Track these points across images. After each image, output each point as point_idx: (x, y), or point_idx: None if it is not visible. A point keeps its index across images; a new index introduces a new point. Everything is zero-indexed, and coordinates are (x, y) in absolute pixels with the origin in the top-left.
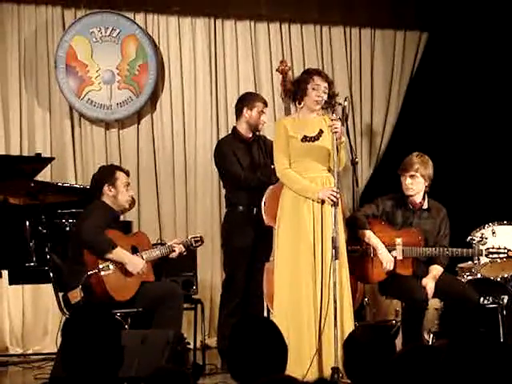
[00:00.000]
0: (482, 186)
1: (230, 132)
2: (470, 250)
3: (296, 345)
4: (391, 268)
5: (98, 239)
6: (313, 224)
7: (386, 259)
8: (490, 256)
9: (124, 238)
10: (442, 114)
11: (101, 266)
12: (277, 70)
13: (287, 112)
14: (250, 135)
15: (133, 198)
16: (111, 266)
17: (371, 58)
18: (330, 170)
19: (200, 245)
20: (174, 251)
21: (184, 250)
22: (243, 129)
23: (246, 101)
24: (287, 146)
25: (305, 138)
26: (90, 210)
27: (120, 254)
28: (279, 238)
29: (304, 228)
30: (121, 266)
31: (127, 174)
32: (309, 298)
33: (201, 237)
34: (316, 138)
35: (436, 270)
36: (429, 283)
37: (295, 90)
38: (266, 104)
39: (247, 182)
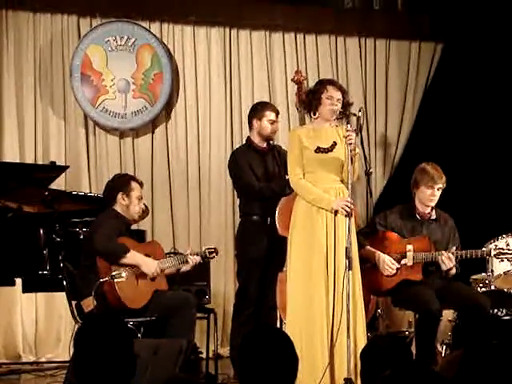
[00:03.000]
0: (496, 197)
1: (244, 142)
2: (479, 250)
3: (309, 355)
4: (392, 269)
5: (110, 246)
6: (326, 234)
7: (384, 261)
8: (500, 256)
9: (137, 246)
10: (456, 124)
11: (114, 273)
12: (292, 80)
13: (302, 122)
14: (264, 145)
15: (146, 207)
16: (124, 274)
17: (386, 69)
18: (343, 181)
19: (214, 256)
20: (188, 262)
21: (199, 260)
22: (256, 139)
23: (255, 111)
24: (301, 156)
25: (318, 149)
26: (102, 218)
27: (134, 256)
28: (292, 248)
29: (317, 238)
30: (134, 274)
31: (141, 185)
32: (322, 308)
33: (215, 248)
34: (329, 150)
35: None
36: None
37: (309, 101)
38: (276, 112)
39: (261, 193)
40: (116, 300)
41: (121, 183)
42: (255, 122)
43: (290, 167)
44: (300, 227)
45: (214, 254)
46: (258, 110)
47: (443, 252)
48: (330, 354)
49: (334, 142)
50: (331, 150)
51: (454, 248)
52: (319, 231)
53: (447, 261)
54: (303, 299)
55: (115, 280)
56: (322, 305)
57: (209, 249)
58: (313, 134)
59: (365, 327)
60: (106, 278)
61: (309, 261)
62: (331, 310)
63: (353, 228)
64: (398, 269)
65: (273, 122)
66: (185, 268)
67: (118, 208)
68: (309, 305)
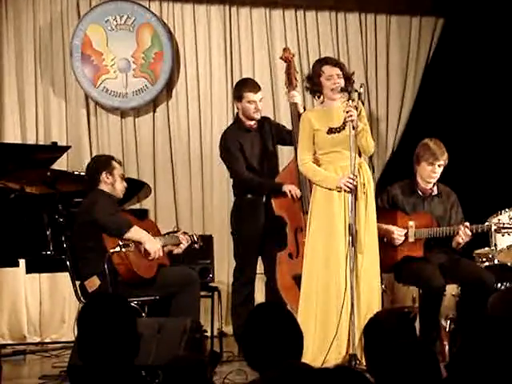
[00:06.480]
0: (498, 172)
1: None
2: (480, 225)
3: (322, 331)
4: (401, 236)
5: (115, 219)
6: (344, 213)
7: (392, 231)
8: (501, 231)
9: (136, 222)
10: (457, 100)
11: (121, 243)
12: (280, 58)
13: (290, 99)
14: (253, 123)
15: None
16: (131, 244)
17: (387, 45)
18: (360, 156)
19: (198, 244)
20: (181, 243)
21: (189, 242)
22: (243, 118)
23: (234, 92)
24: (310, 139)
25: (330, 130)
26: (94, 196)
27: (138, 232)
28: (312, 227)
29: (336, 218)
30: (138, 248)
31: (120, 164)
32: (338, 286)
33: (200, 237)
34: (341, 129)
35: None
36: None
37: (311, 86)
38: (257, 90)
39: (247, 183)
40: (128, 270)
41: (103, 163)
42: (237, 105)
43: (299, 151)
44: (320, 207)
45: (200, 244)
46: (236, 90)
47: (460, 226)
48: (339, 330)
49: (345, 119)
50: (343, 129)
51: (468, 223)
52: (337, 210)
53: (464, 235)
54: (321, 277)
55: (124, 250)
56: (338, 282)
57: (197, 236)
58: (323, 115)
59: (379, 304)
60: (117, 249)
61: (328, 239)
62: (349, 287)
63: (371, 206)
64: (400, 245)
65: (253, 102)
66: (177, 251)
67: (103, 187)
68: (326, 283)
